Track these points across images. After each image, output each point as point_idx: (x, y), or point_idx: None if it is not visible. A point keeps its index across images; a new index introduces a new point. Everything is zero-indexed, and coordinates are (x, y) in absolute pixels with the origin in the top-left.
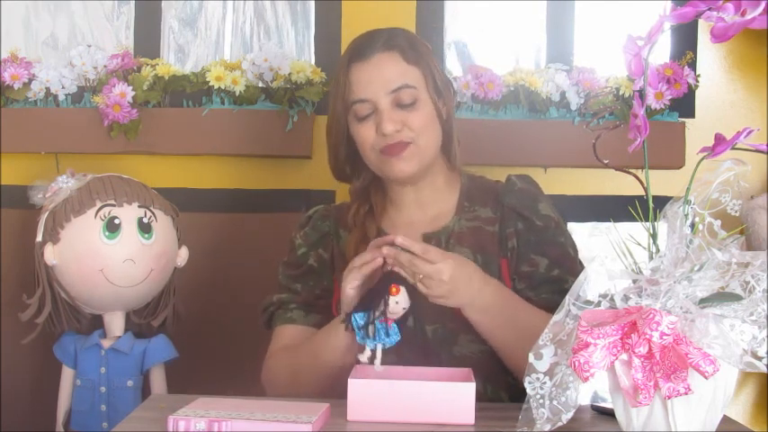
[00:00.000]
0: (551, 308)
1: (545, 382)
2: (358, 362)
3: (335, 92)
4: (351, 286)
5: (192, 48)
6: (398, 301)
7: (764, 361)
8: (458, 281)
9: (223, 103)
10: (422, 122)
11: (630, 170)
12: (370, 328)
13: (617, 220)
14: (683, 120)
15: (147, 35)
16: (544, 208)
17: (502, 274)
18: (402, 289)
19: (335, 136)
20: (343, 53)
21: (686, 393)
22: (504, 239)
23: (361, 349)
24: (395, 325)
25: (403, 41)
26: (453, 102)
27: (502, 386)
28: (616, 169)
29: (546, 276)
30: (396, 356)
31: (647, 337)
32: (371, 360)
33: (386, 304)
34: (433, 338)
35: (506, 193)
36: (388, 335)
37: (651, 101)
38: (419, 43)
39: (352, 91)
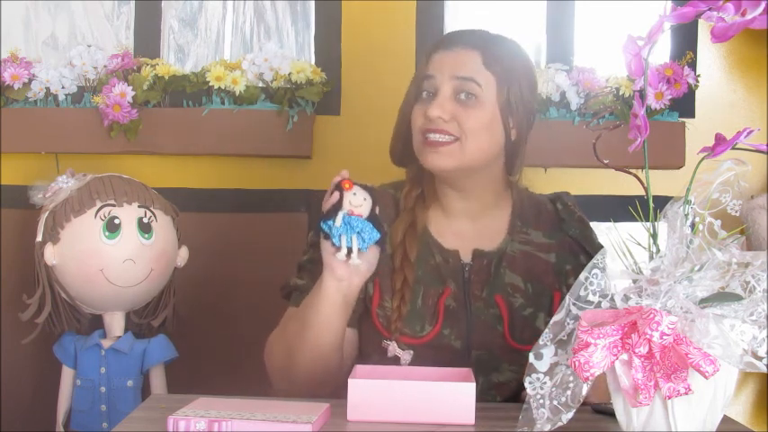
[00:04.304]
0: None
1: (545, 382)
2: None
3: (415, 73)
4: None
5: (192, 48)
6: (356, 193)
7: (764, 361)
8: None
9: (223, 103)
10: (474, 124)
11: (630, 170)
12: (337, 218)
13: (617, 220)
14: (683, 120)
15: (147, 35)
16: (595, 236)
17: (553, 306)
18: (356, 185)
19: (401, 114)
20: (436, 40)
21: (686, 393)
22: (562, 273)
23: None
24: (369, 222)
25: (495, 48)
26: (529, 126)
27: None
28: (616, 169)
29: None
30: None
31: (648, 337)
32: (348, 257)
33: (341, 197)
34: (476, 362)
35: (568, 222)
36: (360, 228)
37: (651, 101)
38: (516, 63)
39: (425, 68)
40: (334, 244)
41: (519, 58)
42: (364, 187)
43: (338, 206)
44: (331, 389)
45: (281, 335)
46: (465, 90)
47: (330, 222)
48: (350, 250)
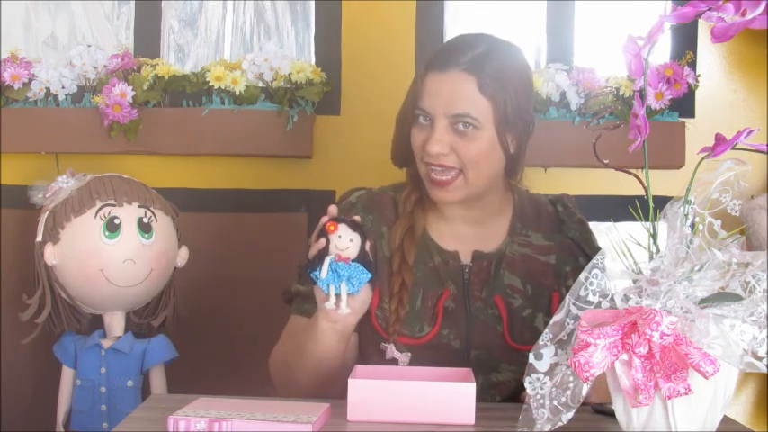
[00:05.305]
0: None
1: (545, 382)
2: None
3: (411, 87)
4: None
5: (192, 48)
6: (341, 235)
7: (764, 361)
8: None
9: (223, 103)
10: (474, 154)
11: (630, 170)
12: (323, 267)
13: (617, 220)
14: (683, 120)
15: (147, 35)
16: (595, 238)
17: (552, 307)
18: (340, 225)
19: (400, 126)
20: (432, 53)
21: (686, 393)
22: (561, 274)
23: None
24: (358, 264)
25: (490, 65)
26: (528, 134)
27: None
28: (616, 169)
29: None
30: None
31: (648, 337)
32: (337, 305)
33: (328, 242)
34: (476, 362)
35: (568, 224)
36: (348, 275)
37: (651, 101)
38: (510, 67)
39: (421, 97)
40: (323, 291)
41: (514, 66)
42: (352, 225)
43: (325, 252)
44: (335, 390)
45: (282, 355)
46: (461, 122)
47: (317, 272)
48: (339, 296)
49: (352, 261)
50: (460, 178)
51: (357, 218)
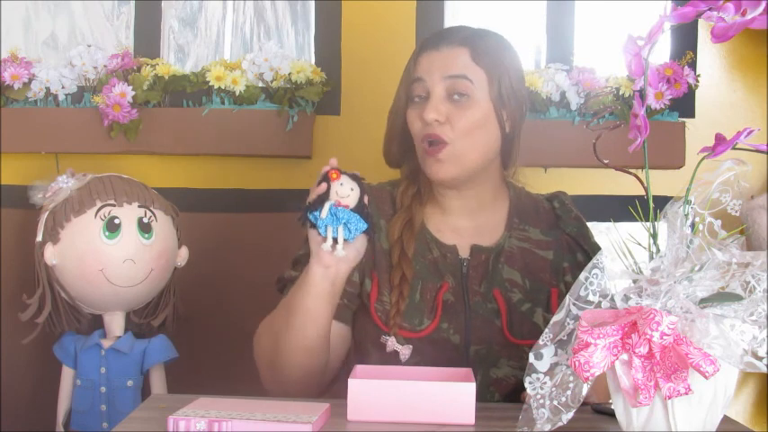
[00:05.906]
0: None
1: (545, 383)
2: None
3: (404, 74)
4: None
5: (192, 48)
6: (343, 183)
7: (764, 361)
8: None
9: (223, 103)
10: (467, 124)
11: (630, 170)
12: (323, 209)
13: (617, 220)
14: (683, 120)
15: (147, 35)
16: (592, 235)
17: (550, 303)
18: (343, 175)
19: (393, 121)
20: (422, 39)
21: (686, 393)
22: (560, 270)
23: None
24: (357, 215)
25: (482, 42)
26: (522, 116)
27: None
28: (616, 169)
29: None
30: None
31: (648, 337)
32: (333, 248)
33: (329, 187)
34: (475, 358)
35: (565, 219)
36: (346, 219)
37: (651, 101)
38: (503, 55)
39: (414, 70)
40: (320, 233)
41: (505, 50)
42: (353, 177)
43: (325, 197)
44: (316, 388)
45: (269, 322)
46: (457, 90)
47: (316, 213)
48: (336, 240)
49: (351, 210)
50: (450, 148)
51: (357, 172)
